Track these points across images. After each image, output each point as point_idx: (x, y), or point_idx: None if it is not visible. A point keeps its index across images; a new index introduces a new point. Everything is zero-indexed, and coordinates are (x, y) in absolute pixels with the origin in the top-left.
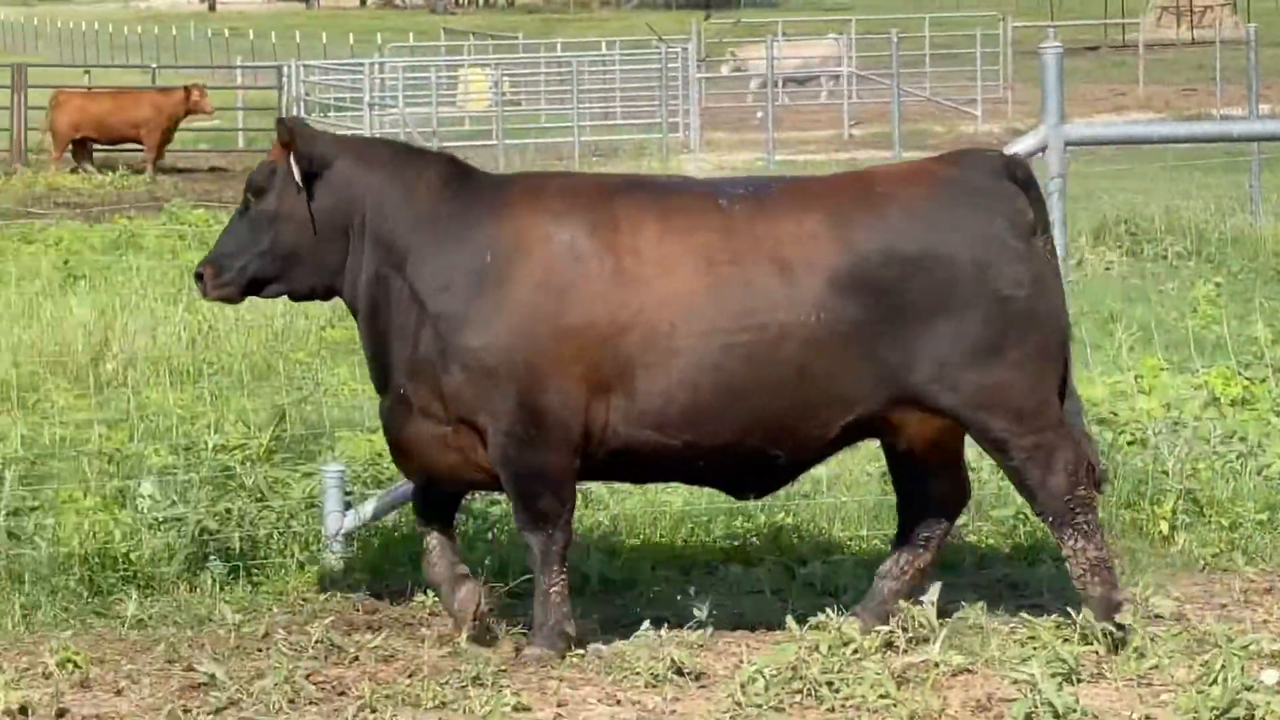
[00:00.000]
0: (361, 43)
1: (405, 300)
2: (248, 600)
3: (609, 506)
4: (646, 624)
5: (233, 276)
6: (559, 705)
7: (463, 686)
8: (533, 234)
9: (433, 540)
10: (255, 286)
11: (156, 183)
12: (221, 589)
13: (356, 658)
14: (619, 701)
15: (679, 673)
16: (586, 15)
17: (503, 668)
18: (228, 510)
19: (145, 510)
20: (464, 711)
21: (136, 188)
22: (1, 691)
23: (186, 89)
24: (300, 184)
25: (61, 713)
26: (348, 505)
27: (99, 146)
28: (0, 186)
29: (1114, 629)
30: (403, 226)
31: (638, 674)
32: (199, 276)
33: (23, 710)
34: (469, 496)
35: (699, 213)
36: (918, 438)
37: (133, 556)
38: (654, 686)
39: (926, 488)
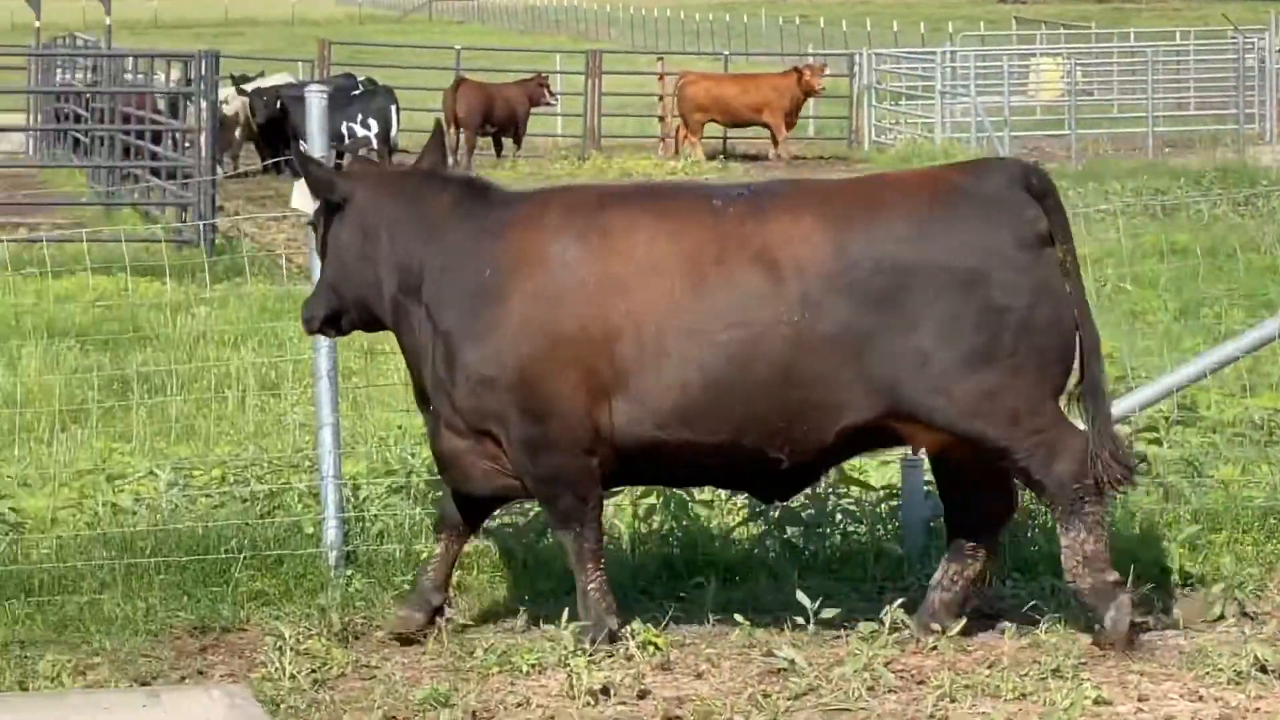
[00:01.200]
0: (933, 31)
1: (422, 320)
2: (826, 588)
3: (1189, 500)
4: (1231, 619)
5: (311, 314)
6: (1139, 700)
7: (1042, 679)
8: (529, 248)
9: (439, 550)
10: (332, 321)
11: (785, 162)
12: (801, 576)
13: (935, 647)
14: (1200, 698)
15: (1263, 670)
16: (1160, 5)
17: (1082, 660)
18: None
19: (724, 499)
20: (1044, 704)
21: (708, 174)
22: (585, 671)
23: (798, 70)
24: (314, 220)
25: (643, 694)
26: (926, 494)
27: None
28: (573, 171)
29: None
30: (417, 250)
31: (1220, 670)
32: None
33: (604, 690)
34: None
35: (692, 215)
36: (938, 446)
37: (716, 545)
38: (1236, 684)
39: (971, 498)
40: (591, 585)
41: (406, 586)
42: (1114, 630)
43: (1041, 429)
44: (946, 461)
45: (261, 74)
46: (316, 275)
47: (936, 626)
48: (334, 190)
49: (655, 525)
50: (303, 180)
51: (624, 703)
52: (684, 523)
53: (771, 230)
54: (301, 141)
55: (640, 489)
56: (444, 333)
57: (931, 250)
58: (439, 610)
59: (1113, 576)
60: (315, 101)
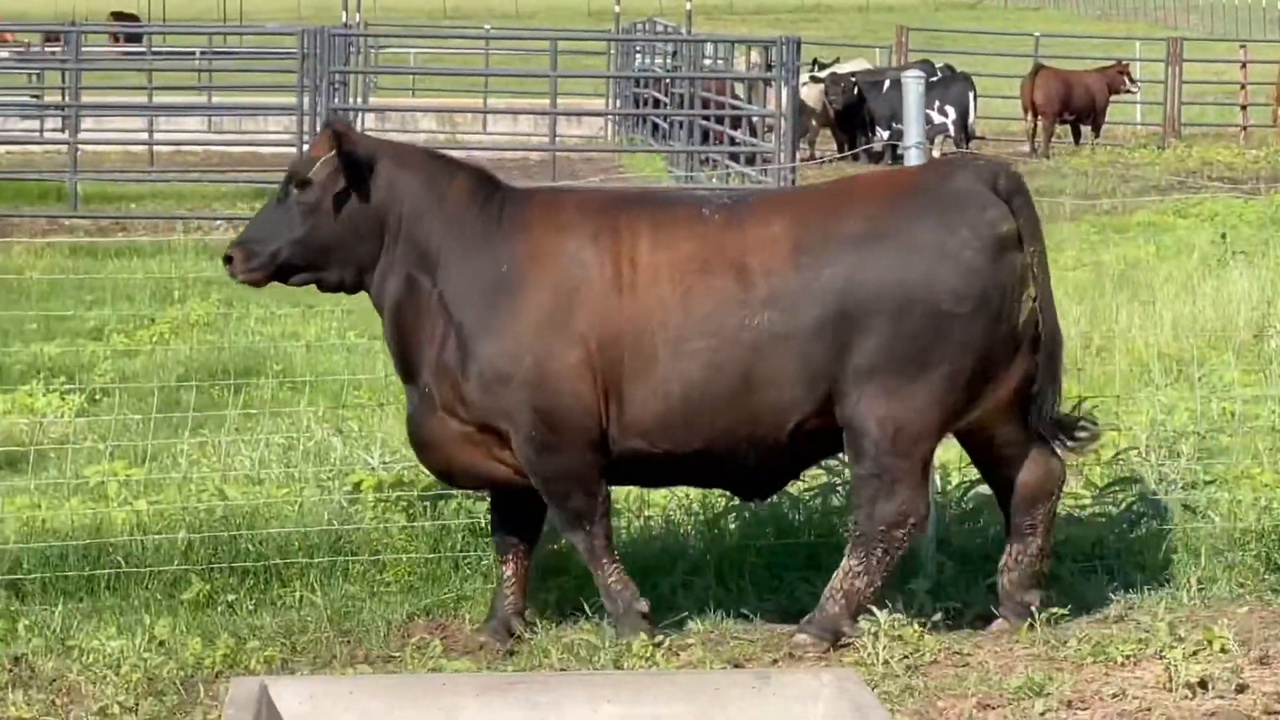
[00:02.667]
0: None
1: (434, 305)
2: None
3: None
4: None
5: (263, 261)
6: None
7: None
8: (545, 246)
9: (508, 573)
10: (284, 273)
11: None
12: None
13: None
14: None
15: None
16: None
17: None
18: None
19: None
20: None
21: None
22: (1182, 664)
23: None
24: (347, 182)
25: (1241, 688)
26: None
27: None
28: (1153, 160)
29: (820, 637)
30: (436, 232)
31: None
32: (228, 259)
33: (1202, 684)
34: None
35: (684, 223)
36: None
37: None
38: None
39: (1012, 476)
40: (612, 579)
41: (992, 576)
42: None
43: (905, 457)
44: (978, 442)
45: (836, 60)
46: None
47: (1023, 613)
48: (363, 156)
49: None
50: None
51: (1221, 696)
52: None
53: (747, 236)
54: (880, 128)
55: None
56: (458, 324)
57: (883, 250)
58: (518, 634)
59: (847, 626)
60: (913, 88)
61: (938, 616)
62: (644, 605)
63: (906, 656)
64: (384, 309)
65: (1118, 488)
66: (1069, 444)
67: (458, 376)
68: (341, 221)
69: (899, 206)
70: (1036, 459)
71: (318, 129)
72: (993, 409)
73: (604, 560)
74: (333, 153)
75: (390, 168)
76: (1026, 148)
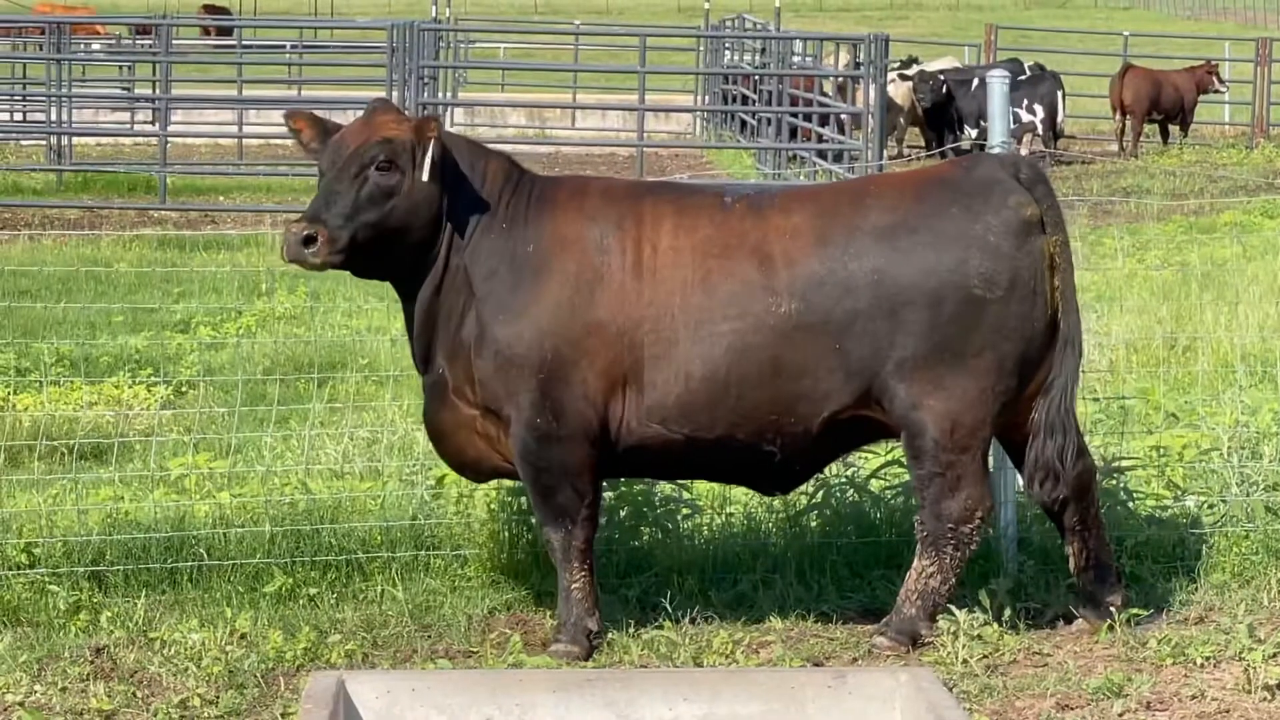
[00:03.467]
0: None
1: (458, 281)
2: None
3: None
4: None
5: (344, 244)
6: None
7: None
8: (570, 230)
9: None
10: (354, 256)
11: None
12: None
13: None
14: None
15: None
16: None
17: None
18: None
19: None
20: None
21: None
22: (1262, 666)
23: None
24: (431, 172)
25: None
26: None
27: None
28: (1241, 160)
29: (899, 641)
30: (473, 215)
31: None
32: (311, 239)
33: None
34: None
35: (706, 210)
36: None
37: None
38: None
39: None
40: (576, 584)
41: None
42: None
43: (965, 451)
44: (1014, 443)
45: (913, 59)
46: None
47: (1106, 613)
48: (446, 140)
49: None
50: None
51: None
52: None
53: (769, 224)
54: (968, 126)
55: None
56: (479, 299)
57: (915, 240)
58: (600, 634)
59: (925, 628)
60: (997, 87)
61: (1014, 615)
62: (595, 624)
63: (986, 656)
64: (417, 297)
65: (1199, 489)
66: (1036, 486)
67: (471, 354)
68: (416, 206)
69: (925, 197)
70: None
71: None
72: (1029, 404)
73: (576, 564)
74: (427, 142)
75: (450, 150)
76: (1115, 147)
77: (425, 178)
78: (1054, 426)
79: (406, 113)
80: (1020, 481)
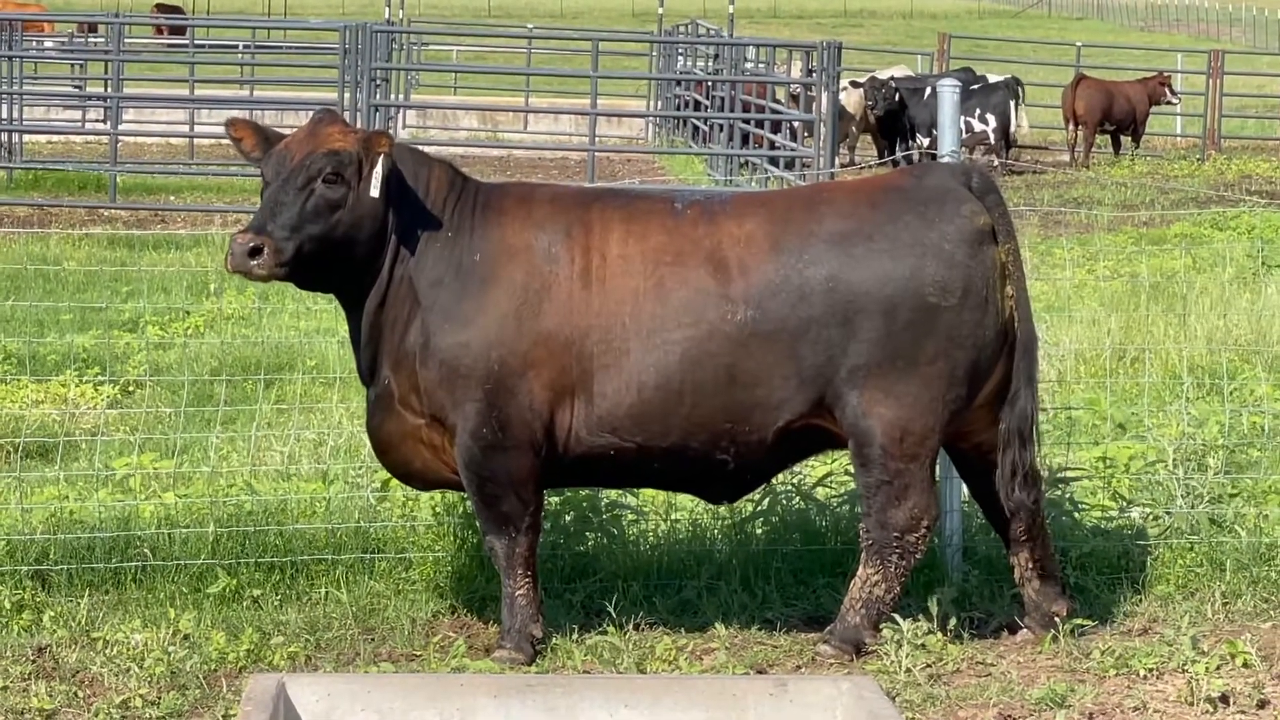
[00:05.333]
0: None
1: (403, 291)
2: None
3: None
4: None
5: (289, 257)
6: None
7: None
8: (517, 239)
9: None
10: (298, 269)
11: None
12: None
13: None
14: None
15: None
16: None
17: None
18: None
19: None
20: None
21: None
22: (1205, 678)
23: None
24: (379, 187)
25: (1263, 703)
26: None
27: None
28: (1192, 172)
29: (843, 649)
30: (418, 224)
31: None
32: (257, 250)
33: (1223, 698)
34: None
35: (656, 217)
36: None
37: None
38: None
39: (995, 484)
40: (520, 591)
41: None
42: (825, 652)
43: (913, 460)
44: (962, 451)
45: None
46: None
47: (1049, 622)
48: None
49: None
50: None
51: (1243, 711)
52: None
53: (722, 231)
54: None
55: None
56: (425, 309)
57: (870, 247)
58: (543, 639)
59: (869, 637)
60: (947, 96)
61: (959, 625)
62: (538, 631)
63: (929, 665)
64: (362, 308)
65: (1144, 500)
66: (1016, 491)
67: (416, 364)
68: (359, 219)
69: (880, 205)
70: None
71: (359, 125)
72: (977, 414)
73: (519, 571)
74: (377, 157)
75: (400, 162)
76: (1066, 157)
77: (375, 193)
78: (1026, 432)
79: (353, 123)
80: (965, 491)
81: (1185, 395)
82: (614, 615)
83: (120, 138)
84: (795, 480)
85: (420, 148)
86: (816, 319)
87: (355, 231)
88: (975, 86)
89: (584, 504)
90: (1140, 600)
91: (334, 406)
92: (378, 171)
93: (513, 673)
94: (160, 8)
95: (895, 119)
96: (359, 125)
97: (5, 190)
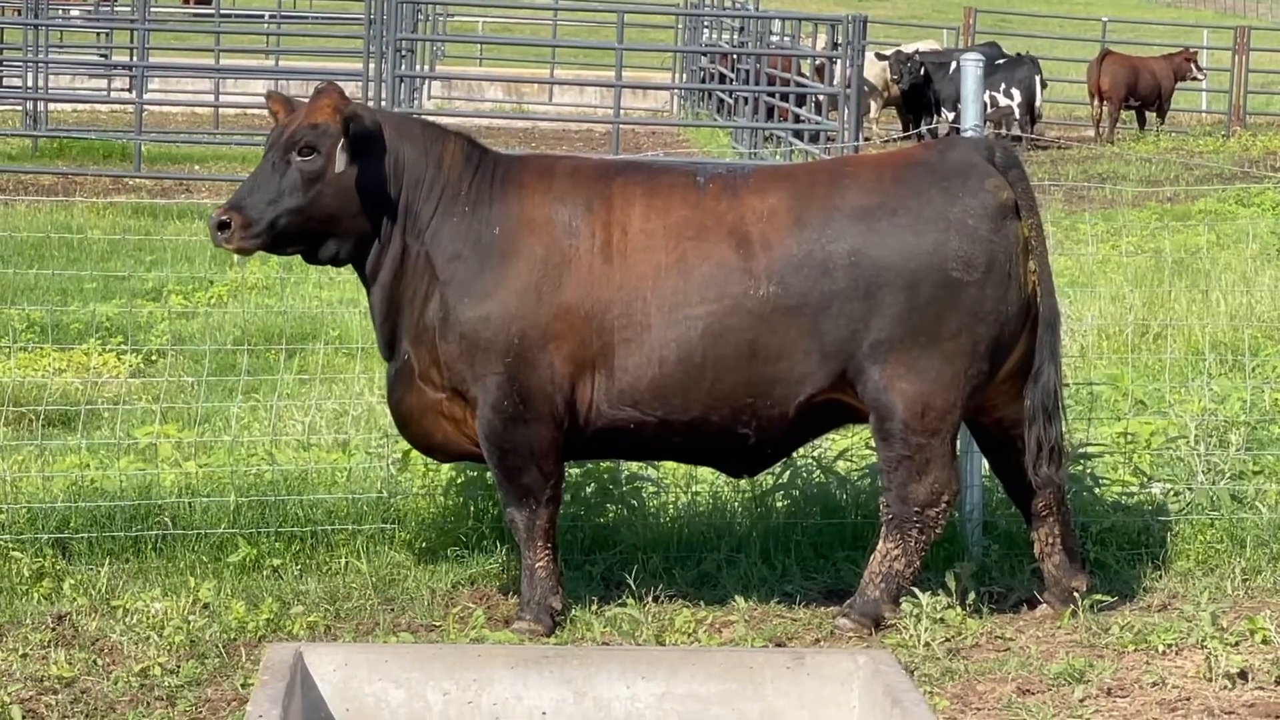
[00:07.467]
0: None
1: (421, 265)
2: None
3: None
4: None
5: (262, 229)
6: None
7: None
8: (537, 213)
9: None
10: (279, 242)
11: None
12: None
13: None
14: None
15: None
16: None
17: None
18: None
19: None
20: None
21: None
22: (1223, 654)
23: None
24: (350, 156)
25: None
26: None
27: None
28: (1217, 148)
29: (862, 623)
30: (432, 198)
31: None
32: (224, 224)
33: (1242, 674)
34: None
35: (678, 191)
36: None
37: None
38: None
39: (1019, 461)
40: (540, 563)
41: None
42: (844, 625)
43: (934, 434)
44: (985, 426)
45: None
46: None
47: (1070, 589)
48: (368, 129)
49: None
50: None
51: (1261, 687)
52: None
53: (745, 206)
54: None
55: None
56: (443, 283)
57: (894, 222)
58: (563, 611)
59: (888, 611)
60: (971, 70)
61: (978, 599)
62: (558, 602)
63: (948, 639)
64: (376, 282)
65: (1165, 476)
66: (1039, 472)
67: (436, 338)
68: (348, 193)
69: (903, 179)
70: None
71: (384, 95)
72: (998, 389)
73: (540, 543)
74: (342, 127)
75: (393, 138)
76: (1091, 133)
77: (340, 168)
78: (1051, 407)
79: (378, 94)
80: (986, 465)
81: (1207, 371)
82: (633, 587)
83: (145, 107)
84: (816, 454)
85: (437, 120)
86: (839, 294)
87: (341, 204)
88: (1000, 61)
89: (605, 476)
90: (1160, 576)
91: (356, 377)
92: (340, 148)
93: (531, 644)
94: None
95: (920, 93)
96: (384, 95)
97: (30, 159)
